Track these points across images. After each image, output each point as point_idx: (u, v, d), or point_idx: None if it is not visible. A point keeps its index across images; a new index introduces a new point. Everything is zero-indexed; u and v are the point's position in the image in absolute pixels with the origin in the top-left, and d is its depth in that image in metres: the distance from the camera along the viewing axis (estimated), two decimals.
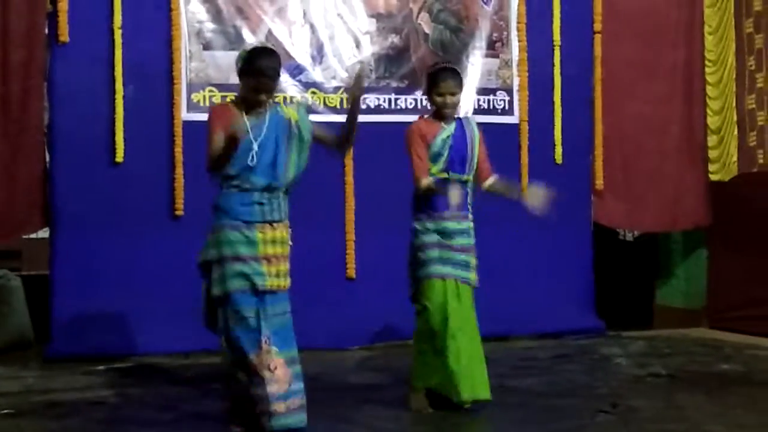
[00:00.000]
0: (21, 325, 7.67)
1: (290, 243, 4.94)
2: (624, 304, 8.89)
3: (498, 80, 8.18)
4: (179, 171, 7.33)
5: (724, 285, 8.54)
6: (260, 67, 4.77)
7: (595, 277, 8.41)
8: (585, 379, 6.36)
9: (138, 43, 7.30)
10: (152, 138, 7.34)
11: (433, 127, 5.40)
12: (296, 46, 7.72)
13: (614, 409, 5.31)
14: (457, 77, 5.43)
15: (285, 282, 4.88)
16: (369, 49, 7.91)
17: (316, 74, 7.77)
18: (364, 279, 7.63)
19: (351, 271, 7.72)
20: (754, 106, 8.72)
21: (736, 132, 8.78)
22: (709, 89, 8.79)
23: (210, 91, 7.46)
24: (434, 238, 5.34)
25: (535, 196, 5.52)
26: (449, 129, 5.41)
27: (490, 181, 5.56)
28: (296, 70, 7.70)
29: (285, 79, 7.61)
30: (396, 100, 7.91)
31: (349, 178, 7.70)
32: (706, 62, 8.77)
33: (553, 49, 8.27)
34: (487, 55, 8.16)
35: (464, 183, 5.45)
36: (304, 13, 7.76)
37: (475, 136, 5.47)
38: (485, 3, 8.15)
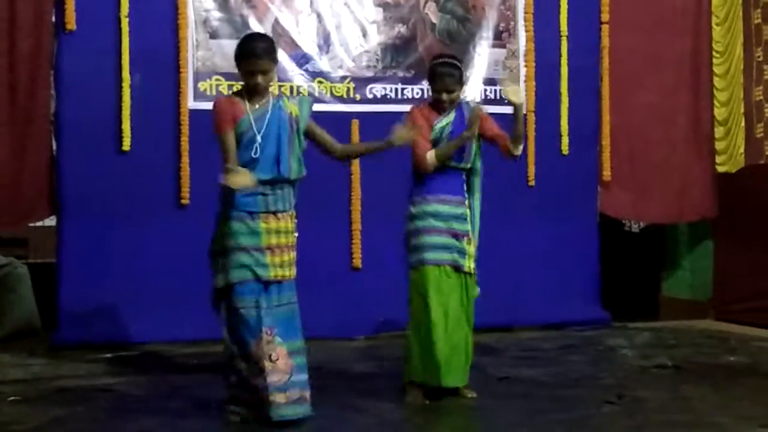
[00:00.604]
0: (28, 313, 7.69)
1: (296, 233, 4.95)
2: (630, 296, 8.89)
3: (505, 70, 8.16)
4: (185, 160, 7.33)
5: (730, 277, 8.54)
6: (249, 48, 4.83)
7: (601, 268, 8.40)
8: (590, 370, 6.36)
9: (145, 31, 7.30)
10: (159, 126, 7.34)
11: (431, 116, 5.41)
12: (303, 36, 7.71)
13: (620, 400, 5.31)
14: (457, 73, 5.41)
15: (290, 272, 4.89)
16: (376, 39, 7.90)
17: (322, 63, 7.76)
18: (370, 269, 7.64)
19: (357, 261, 7.73)
20: (761, 97, 8.69)
21: (743, 123, 8.75)
22: (716, 80, 8.76)
23: (217, 79, 7.46)
24: (429, 222, 5.33)
25: (512, 91, 5.40)
26: (448, 117, 5.42)
27: (509, 142, 5.49)
28: (303, 60, 7.70)
29: (292, 69, 7.62)
30: (402, 89, 7.90)
31: (356, 168, 7.69)
32: (714, 53, 8.75)
33: (560, 40, 8.25)
34: (493, 45, 8.14)
35: (462, 171, 5.45)
36: (311, 2, 7.75)
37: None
38: None
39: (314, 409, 4.83)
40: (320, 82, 7.74)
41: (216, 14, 7.50)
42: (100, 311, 7.09)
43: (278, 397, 4.69)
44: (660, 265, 9.26)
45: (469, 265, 5.42)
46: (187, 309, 6.97)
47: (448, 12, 8.04)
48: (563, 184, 8.19)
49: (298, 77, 7.66)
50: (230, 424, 4.84)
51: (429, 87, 5.52)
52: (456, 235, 5.38)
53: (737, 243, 8.47)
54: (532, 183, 8.15)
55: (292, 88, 7.57)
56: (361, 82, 7.82)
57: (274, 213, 4.84)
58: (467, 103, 5.62)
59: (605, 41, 8.36)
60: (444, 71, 5.36)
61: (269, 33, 7.26)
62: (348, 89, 7.78)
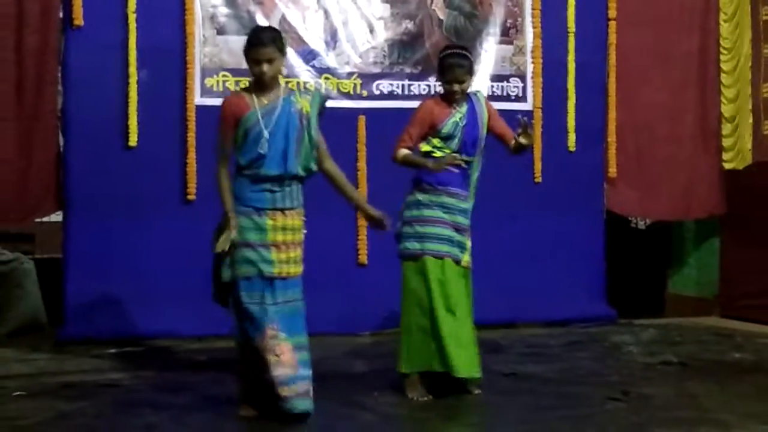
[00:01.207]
0: (34, 308, 7.71)
1: (305, 231, 4.95)
2: (636, 292, 8.88)
3: (512, 67, 8.15)
4: (192, 155, 7.34)
5: (736, 274, 8.52)
6: (255, 37, 4.86)
7: (607, 265, 8.39)
8: (596, 366, 6.36)
9: (152, 27, 7.30)
10: (165, 122, 7.34)
11: (444, 110, 5.40)
12: (310, 32, 7.71)
13: (625, 397, 5.32)
14: (467, 63, 5.41)
15: (296, 269, 4.89)
16: (383, 35, 7.89)
17: (329, 60, 7.75)
18: (375, 265, 7.63)
19: (363, 258, 7.73)
20: None
21: (750, 120, 8.72)
22: (723, 77, 8.74)
23: (224, 75, 7.46)
24: (437, 213, 5.34)
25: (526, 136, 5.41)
26: (461, 111, 5.41)
27: (513, 142, 5.49)
28: (310, 56, 7.70)
29: (298, 64, 7.62)
30: (409, 86, 7.90)
31: (362, 164, 7.69)
32: (721, 50, 8.72)
33: (567, 36, 8.23)
34: (501, 42, 8.13)
35: (469, 164, 5.45)
36: None
37: (484, 115, 5.48)
38: None
39: (317, 405, 4.82)
40: (327, 78, 7.74)
41: (223, 10, 7.50)
42: (105, 307, 7.10)
43: (285, 391, 4.71)
44: (666, 262, 9.25)
45: (467, 259, 5.43)
46: (193, 304, 6.95)
47: (455, 8, 8.03)
48: (570, 180, 8.18)
49: (304, 73, 7.66)
50: (239, 419, 4.85)
51: (439, 79, 5.50)
52: (458, 229, 5.39)
53: (744, 240, 8.45)
54: (538, 179, 8.14)
55: (298, 83, 7.57)
56: (367, 78, 7.82)
57: (281, 210, 4.85)
58: (476, 94, 5.61)
59: (612, 38, 8.34)
60: (454, 62, 5.36)
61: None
62: (355, 85, 7.78)
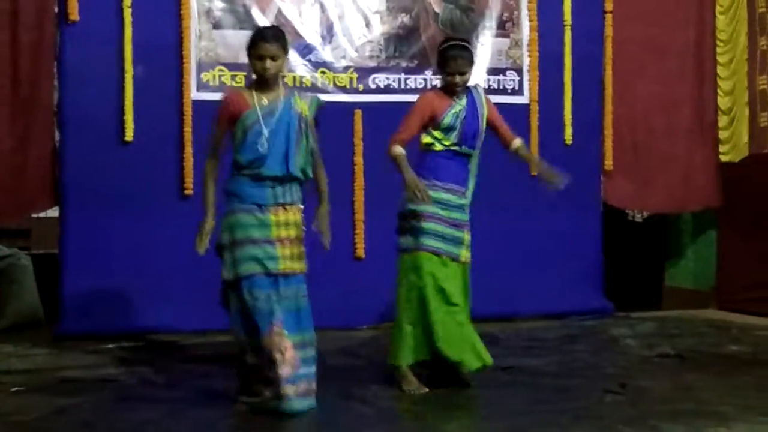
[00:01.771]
0: (31, 304, 7.71)
1: (304, 228, 4.95)
2: (633, 285, 8.89)
3: (508, 60, 8.15)
4: (189, 150, 7.33)
5: (733, 266, 8.53)
6: (258, 34, 4.87)
7: (604, 258, 8.40)
8: (593, 359, 6.36)
9: (148, 22, 7.29)
10: (162, 117, 7.34)
11: (444, 102, 5.39)
12: (306, 26, 7.70)
13: (622, 390, 5.31)
14: (468, 55, 5.40)
15: (300, 265, 4.89)
16: (379, 29, 7.89)
17: (325, 54, 7.75)
18: (372, 259, 7.63)
19: (360, 251, 7.73)
20: (765, 86, 8.68)
21: (747, 112, 8.74)
22: (720, 69, 8.75)
23: (220, 70, 7.45)
24: (434, 209, 5.32)
25: (551, 176, 5.47)
26: (461, 103, 5.41)
27: (518, 143, 5.56)
28: (306, 50, 7.69)
29: (294, 59, 7.60)
30: (406, 79, 7.89)
31: (359, 158, 7.70)
32: (718, 42, 8.73)
33: (564, 29, 8.23)
34: (497, 35, 8.13)
35: (469, 156, 5.45)
36: None
37: (483, 108, 5.48)
38: None
39: (316, 399, 4.84)
40: (323, 72, 7.73)
41: (219, 5, 7.49)
42: (103, 302, 7.09)
43: (289, 390, 4.71)
44: (663, 255, 9.26)
45: (466, 255, 5.43)
46: (190, 299, 6.99)
47: (451, 2, 8.02)
48: (566, 173, 8.16)
49: (300, 67, 7.65)
50: (236, 414, 4.85)
51: (439, 71, 5.45)
52: (456, 226, 5.39)
53: (741, 232, 8.46)
54: (535, 172, 8.12)
55: (294, 78, 7.57)
56: (364, 72, 7.81)
57: (283, 205, 4.85)
58: (475, 87, 5.60)
59: (609, 31, 8.34)
60: (456, 53, 5.35)
61: (272, 23, 7.27)
62: (351, 79, 7.77)
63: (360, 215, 7.72)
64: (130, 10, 7.24)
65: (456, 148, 5.38)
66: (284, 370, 4.71)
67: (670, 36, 8.57)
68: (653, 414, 4.78)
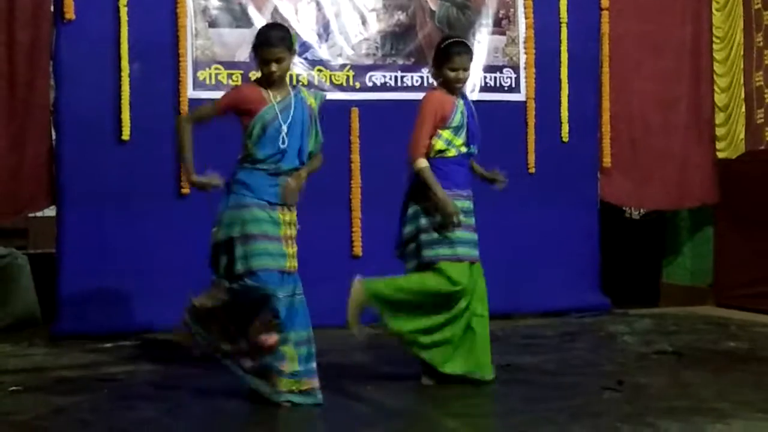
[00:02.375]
0: (28, 303, 7.70)
1: (298, 227, 5.03)
2: (630, 282, 8.90)
3: (504, 58, 8.15)
4: None
5: (730, 263, 8.54)
6: (264, 36, 4.89)
7: (602, 255, 8.41)
8: (591, 356, 6.36)
9: (144, 20, 7.28)
10: (158, 116, 7.31)
11: (449, 102, 5.36)
12: (302, 24, 7.69)
13: (620, 387, 5.32)
14: (469, 52, 5.42)
15: (296, 263, 4.97)
16: (375, 27, 7.88)
17: (322, 52, 7.74)
18: (370, 257, 7.62)
19: (357, 249, 7.73)
20: (761, 83, 8.68)
21: (743, 109, 8.74)
22: (716, 66, 8.75)
23: (216, 68, 7.44)
24: (460, 218, 5.29)
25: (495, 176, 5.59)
26: (461, 104, 5.40)
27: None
28: (302, 48, 7.67)
29: None
30: (402, 77, 7.89)
31: (356, 156, 7.69)
32: (714, 39, 8.73)
33: (560, 26, 8.23)
34: (493, 33, 8.12)
35: (472, 158, 5.46)
36: None
37: (474, 112, 5.48)
38: None
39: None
40: (320, 70, 7.72)
41: (215, 3, 7.48)
42: (100, 301, 7.09)
43: (291, 385, 4.83)
44: (660, 252, 9.26)
45: (477, 254, 5.45)
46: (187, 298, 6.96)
47: None
48: (563, 171, 8.18)
49: (297, 65, 7.64)
50: (236, 414, 4.88)
51: (440, 69, 5.37)
52: (470, 229, 5.41)
53: (738, 229, 8.47)
54: (532, 170, 8.14)
55: (291, 76, 7.54)
56: (360, 70, 7.80)
57: (287, 205, 4.93)
58: (463, 92, 5.59)
59: (605, 28, 8.34)
60: (459, 49, 5.34)
61: (269, 21, 7.24)
62: (347, 77, 7.77)
63: (357, 213, 7.72)
64: (126, 8, 7.22)
65: (465, 149, 5.36)
66: (285, 368, 4.81)
67: (667, 33, 8.57)
68: (651, 411, 4.78)
